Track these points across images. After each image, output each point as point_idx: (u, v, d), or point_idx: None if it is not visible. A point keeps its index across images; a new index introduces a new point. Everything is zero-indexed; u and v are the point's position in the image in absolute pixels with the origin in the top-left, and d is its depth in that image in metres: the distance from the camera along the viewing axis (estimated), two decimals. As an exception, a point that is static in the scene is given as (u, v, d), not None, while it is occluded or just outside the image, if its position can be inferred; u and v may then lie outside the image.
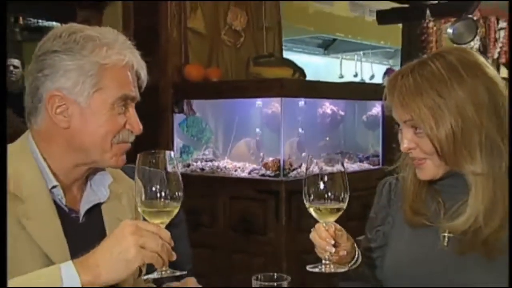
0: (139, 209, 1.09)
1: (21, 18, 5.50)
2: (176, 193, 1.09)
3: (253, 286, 1.00)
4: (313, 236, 1.16)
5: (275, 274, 1.01)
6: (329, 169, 1.15)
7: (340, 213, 1.15)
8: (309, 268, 1.18)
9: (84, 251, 1.05)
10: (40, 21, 5.43)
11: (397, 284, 1.27)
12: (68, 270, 0.97)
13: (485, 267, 1.16)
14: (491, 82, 1.18)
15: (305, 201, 1.16)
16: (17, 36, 5.77)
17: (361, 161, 4.47)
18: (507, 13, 6.78)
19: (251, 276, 1.03)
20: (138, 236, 0.98)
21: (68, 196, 1.21)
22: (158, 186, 1.09)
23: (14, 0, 4.66)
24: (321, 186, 1.15)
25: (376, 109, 4.53)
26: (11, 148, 1.20)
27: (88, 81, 1.14)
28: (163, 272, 1.06)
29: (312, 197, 1.15)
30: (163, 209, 1.08)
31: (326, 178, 1.15)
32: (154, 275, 1.07)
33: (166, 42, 4.11)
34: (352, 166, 4.24)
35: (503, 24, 6.67)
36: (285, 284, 1.00)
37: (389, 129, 4.50)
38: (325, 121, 4.13)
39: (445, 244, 1.21)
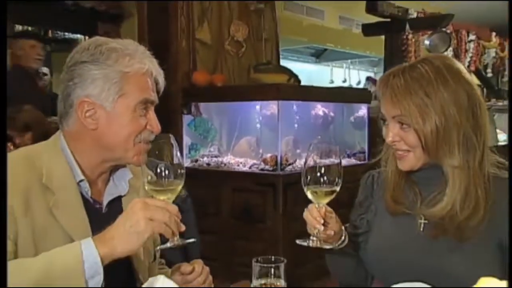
0: (146, 188, 1.10)
1: (50, 31, 5.51)
2: (179, 171, 1.10)
3: (253, 268, 0.98)
4: (305, 215, 1.16)
5: (273, 257, 1.00)
6: (326, 161, 1.15)
7: (333, 196, 1.15)
8: (298, 241, 1.18)
9: None
10: (66, 34, 5.46)
11: (379, 266, 1.28)
12: (87, 245, 0.99)
13: (455, 250, 1.16)
14: (470, 87, 1.19)
15: (303, 185, 1.16)
16: (46, 47, 5.79)
17: (349, 157, 4.50)
18: (476, 27, 6.84)
19: (251, 259, 1.02)
20: (146, 210, 1.00)
21: (93, 189, 1.21)
22: (162, 167, 1.09)
23: (44, 14, 4.70)
24: (318, 172, 1.14)
25: (362, 111, 4.56)
26: (44, 146, 1.22)
27: (112, 88, 1.15)
28: (175, 242, 1.06)
29: (309, 181, 1.14)
30: (168, 187, 1.09)
31: (322, 165, 1.15)
32: (167, 245, 1.07)
33: (176, 52, 4.11)
34: (342, 162, 4.24)
35: (472, 37, 6.75)
36: (281, 265, 0.99)
37: (374, 129, 4.57)
38: (317, 122, 4.14)
39: (421, 229, 1.21)
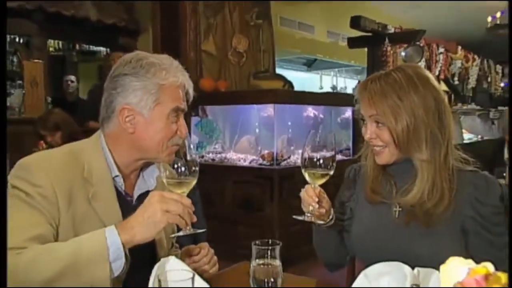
0: (164, 181, 1.09)
1: (77, 45, 5.51)
2: (193, 168, 1.09)
3: (252, 250, 0.97)
4: (302, 194, 1.16)
5: (270, 240, 0.99)
6: (323, 149, 1.15)
7: (327, 178, 1.15)
8: (294, 216, 1.18)
9: None
10: (91, 46, 5.42)
11: (360, 248, 1.28)
12: (111, 232, 0.98)
13: (424, 235, 1.16)
14: (437, 92, 1.18)
15: (302, 167, 1.15)
16: (74, 58, 5.83)
17: (336, 153, 4.47)
18: (444, 41, 6.86)
19: (251, 242, 1.01)
20: (163, 203, 0.99)
21: (126, 183, 1.21)
22: (179, 164, 1.09)
23: (73, 30, 4.72)
24: (315, 157, 1.15)
25: (348, 113, 4.56)
26: (86, 144, 1.21)
27: (150, 97, 1.15)
28: (187, 231, 1.06)
29: (307, 164, 1.14)
30: (183, 181, 1.08)
31: (319, 151, 1.15)
32: (180, 233, 1.07)
33: (185, 62, 4.02)
34: None
35: (441, 49, 6.80)
36: (277, 248, 0.98)
37: (358, 129, 4.54)
38: (308, 122, 4.13)
39: (396, 216, 1.21)
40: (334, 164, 1.14)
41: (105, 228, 1.00)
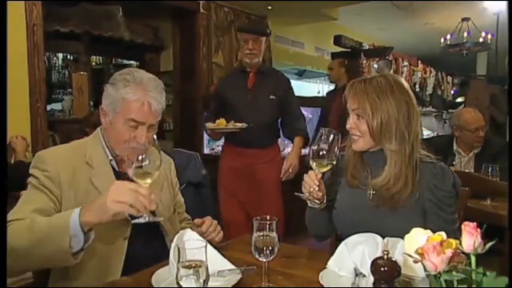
0: (130, 172, 0.98)
1: (113, 59, 5.55)
2: (156, 162, 1.00)
3: (253, 224, 0.96)
4: (305, 177, 1.15)
5: (268, 216, 0.97)
6: (326, 143, 1.13)
7: (330, 167, 1.13)
8: (296, 194, 1.17)
9: None
10: (124, 60, 5.46)
11: (341, 223, 1.27)
12: (75, 212, 0.95)
13: (391, 214, 1.15)
14: (409, 98, 1.17)
15: (310, 159, 1.14)
16: (111, 70, 5.82)
17: (338, 148, 4.50)
18: (407, 56, 6.89)
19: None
20: (114, 193, 0.92)
21: (122, 165, 1.17)
22: (143, 156, 0.99)
23: (111, 48, 4.75)
24: (321, 150, 1.13)
25: None
26: (89, 138, 1.22)
27: (114, 105, 1.13)
28: (146, 218, 0.99)
29: (314, 155, 1.13)
30: (147, 171, 0.99)
31: (324, 144, 1.13)
32: (141, 220, 0.99)
33: (199, 72, 4.10)
34: None
35: (405, 63, 6.89)
36: (274, 222, 0.96)
37: (339, 124, 4.59)
38: (299, 121, 4.12)
39: (370, 198, 1.19)
40: (335, 157, 1.13)
41: (75, 209, 0.96)
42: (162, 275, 0.96)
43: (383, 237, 0.96)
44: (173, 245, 0.96)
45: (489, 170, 1.97)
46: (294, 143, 2.39)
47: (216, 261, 0.99)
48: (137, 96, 1.11)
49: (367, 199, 1.20)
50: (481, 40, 6.45)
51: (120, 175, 1.15)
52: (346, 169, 1.26)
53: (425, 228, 0.76)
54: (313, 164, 1.14)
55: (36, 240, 0.95)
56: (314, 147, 1.13)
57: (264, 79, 2.34)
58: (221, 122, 2.22)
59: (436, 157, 1.19)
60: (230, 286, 0.94)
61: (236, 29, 4.23)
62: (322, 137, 1.13)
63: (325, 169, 1.14)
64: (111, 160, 1.17)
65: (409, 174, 1.14)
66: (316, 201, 1.17)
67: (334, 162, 1.13)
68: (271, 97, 2.30)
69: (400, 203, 1.14)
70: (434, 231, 0.72)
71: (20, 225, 0.98)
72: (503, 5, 5.81)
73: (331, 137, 1.12)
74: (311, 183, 1.13)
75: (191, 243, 0.84)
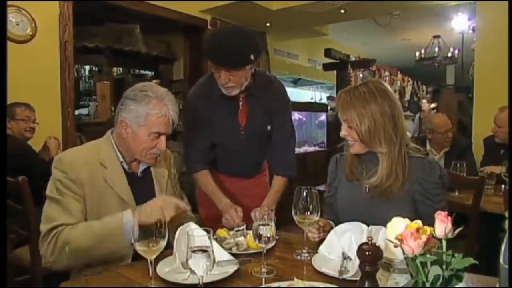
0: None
1: (131, 70, 5.52)
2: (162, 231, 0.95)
3: (252, 214, 0.95)
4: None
5: (266, 207, 0.96)
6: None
7: (317, 218, 1.07)
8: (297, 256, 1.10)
9: (140, 193, 1.13)
10: (141, 71, 5.43)
11: (343, 214, 1.24)
12: (127, 214, 1.03)
13: (385, 205, 1.14)
14: (393, 102, 1.14)
15: (297, 222, 1.07)
16: (130, 79, 5.78)
17: (314, 145, 4.53)
18: (388, 67, 6.91)
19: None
20: (163, 203, 1.02)
21: (131, 165, 1.19)
22: None
23: (128, 60, 4.75)
24: (303, 206, 1.06)
25: (323, 117, 4.65)
26: (101, 140, 1.19)
27: (139, 119, 1.11)
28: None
29: (300, 217, 1.06)
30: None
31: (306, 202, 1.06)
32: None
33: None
34: (310, 148, 4.35)
35: (387, 73, 6.97)
36: (272, 213, 0.95)
37: (330, 128, 4.63)
38: (294, 123, 4.12)
39: (366, 192, 1.18)
40: (318, 213, 1.06)
41: (123, 212, 1.04)
42: (166, 262, 0.97)
43: (378, 225, 0.96)
44: (176, 236, 0.95)
45: (457, 166, 2.03)
46: (275, 183, 1.60)
47: (216, 252, 0.98)
48: (160, 111, 1.11)
49: (363, 192, 1.18)
50: (449, 54, 6.60)
51: (131, 175, 1.17)
52: (345, 168, 1.25)
53: (415, 216, 0.76)
54: (303, 225, 1.07)
55: (96, 240, 1.01)
56: (298, 209, 1.05)
57: (257, 102, 1.54)
58: (221, 232, 1.22)
59: (424, 152, 1.17)
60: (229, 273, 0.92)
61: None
62: (300, 197, 1.05)
63: (310, 227, 1.08)
64: (121, 161, 1.17)
65: (399, 170, 1.12)
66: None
67: (317, 217, 1.06)
68: (268, 127, 1.60)
69: (392, 195, 1.12)
70: (424, 218, 0.71)
71: (76, 229, 1.02)
72: (466, 26, 6.02)
73: (305, 193, 1.05)
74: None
75: (197, 231, 0.83)
